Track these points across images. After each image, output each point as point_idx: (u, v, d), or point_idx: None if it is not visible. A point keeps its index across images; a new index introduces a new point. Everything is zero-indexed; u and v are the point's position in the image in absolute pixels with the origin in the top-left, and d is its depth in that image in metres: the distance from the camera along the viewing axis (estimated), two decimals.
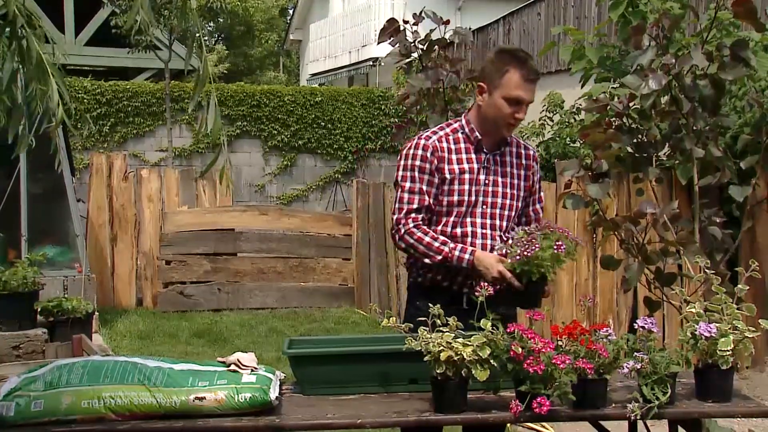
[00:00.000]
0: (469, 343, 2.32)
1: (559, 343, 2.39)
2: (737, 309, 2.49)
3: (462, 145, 2.98)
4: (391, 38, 4.41)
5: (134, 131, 12.97)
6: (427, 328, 2.38)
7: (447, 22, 4.43)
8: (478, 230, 2.95)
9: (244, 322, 7.88)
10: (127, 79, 14.56)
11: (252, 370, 2.49)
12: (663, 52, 3.82)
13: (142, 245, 8.59)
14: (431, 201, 2.94)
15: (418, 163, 2.94)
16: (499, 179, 2.99)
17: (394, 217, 2.96)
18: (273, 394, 2.39)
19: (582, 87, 5.77)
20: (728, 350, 2.40)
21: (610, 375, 2.40)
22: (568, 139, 7.75)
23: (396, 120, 13.53)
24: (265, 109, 13.56)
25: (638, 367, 2.33)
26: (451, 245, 2.88)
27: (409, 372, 2.55)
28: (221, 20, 26.37)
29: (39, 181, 7.07)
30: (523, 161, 3.06)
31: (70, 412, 2.30)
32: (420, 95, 4.32)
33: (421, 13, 4.46)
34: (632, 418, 2.33)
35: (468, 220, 2.95)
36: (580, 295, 6.23)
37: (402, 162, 2.99)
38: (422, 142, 2.96)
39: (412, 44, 4.43)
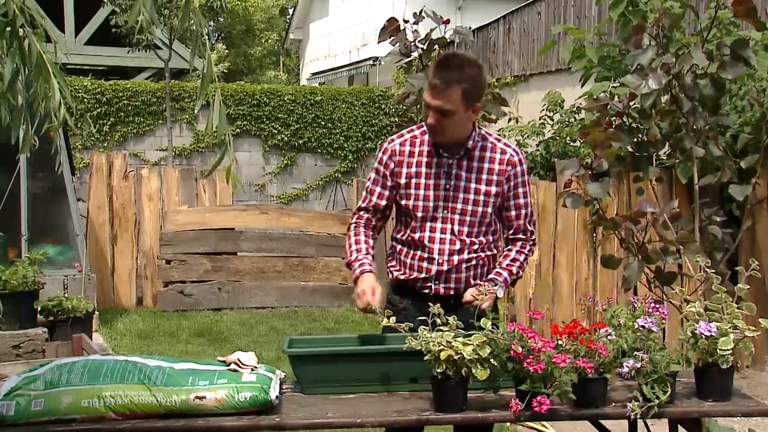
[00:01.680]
0: (469, 342, 2.32)
1: (559, 342, 2.39)
2: (737, 308, 2.49)
3: (425, 149, 2.96)
4: (392, 37, 4.42)
5: (134, 130, 12.96)
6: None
7: (447, 22, 4.44)
8: (437, 235, 2.95)
9: (244, 322, 7.88)
10: (127, 78, 14.56)
11: (252, 369, 2.49)
12: (663, 51, 3.82)
13: (142, 244, 8.59)
14: (383, 203, 3.03)
15: (376, 165, 3.05)
16: (462, 184, 2.94)
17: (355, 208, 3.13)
18: (273, 393, 2.39)
19: (582, 86, 5.77)
20: (728, 349, 2.40)
21: (610, 374, 2.40)
22: (568, 138, 7.75)
23: (396, 119, 13.53)
24: (265, 109, 13.56)
25: (638, 366, 2.33)
26: (358, 256, 2.96)
27: (410, 371, 2.55)
28: (221, 19, 26.36)
29: (39, 180, 7.08)
30: (496, 166, 2.95)
31: (70, 411, 2.30)
32: (420, 94, 4.32)
33: (421, 12, 4.46)
34: (632, 417, 2.33)
35: (428, 224, 2.95)
36: (580, 294, 6.23)
37: (374, 161, 3.11)
38: (385, 145, 3.04)
39: (412, 43, 4.43)
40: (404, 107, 4.55)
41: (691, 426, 2.58)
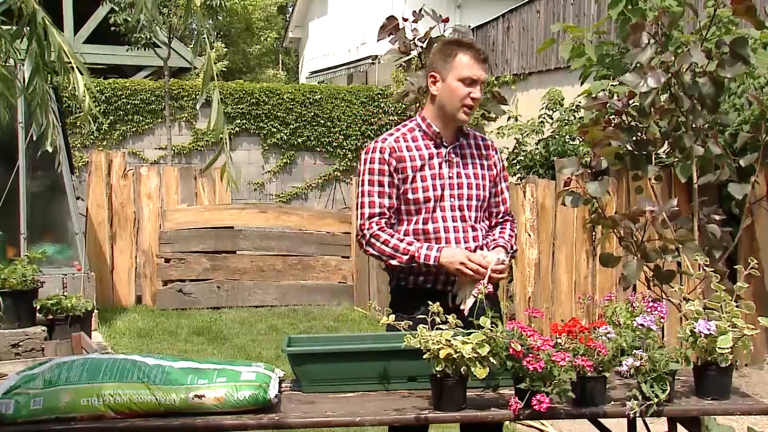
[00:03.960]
0: (469, 341, 2.32)
1: (559, 340, 2.39)
2: (736, 307, 2.49)
3: (421, 143, 3.00)
4: (391, 36, 4.41)
5: (133, 129, 12.96)
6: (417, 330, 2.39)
7: (446, 20, 4.43)
8: (449, 224, 2.96)
9: (243, 320, 7.89)
10: (126, 76, 14.55)
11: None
12: (662, 49, 3.82)
13: (142, 243, 8.59)
14: (394, 202, 2.96)
15: (376, 166, 2.96)
16: (462, 171, 3.00)
17: (358, 223, 2.99)
18: (272, 392, 2.39)
19: (581, 84, 5.77)
20: (727, 348, 2.40)
21: (609, 373, 2.40)
22: (567, 136, 7.76)
23: (395, 118, 13.53)
24: (264, 107, 13.55)
25: (637, 364, 2.33)
26: (418, 244, 2.90)
27: (409, 370, 2.55)
28: (220, 18, 26.35)
29: (38, 178, 7.08)
30: (483, 151, 3.08)
31: (69, 410, 2.30)
32: (419, 93, 4.31)
33: (420, 10, 4.46)
34: (631, 415, 2.33)
35: (438, 214, 2.96)
36: (579, 293, 6.24)
37: (361, 168, 3.01)
38: (378, 145, 2.99)
39: (412, 42, 4.42)
40: (403, 106, 4.55)
41: (690, 424, 2.58)
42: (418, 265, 2.89)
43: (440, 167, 2.98)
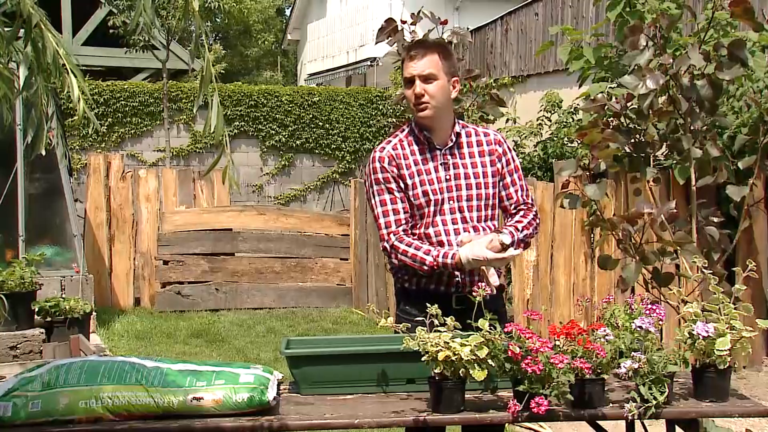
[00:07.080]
0: (467, 343, 2.31)
1: (557, 342, 2.39)
2: (734, 309, 2.49)
3: (416, 147, 3.00)
4: (389, 38, 4.42)
5: (132, 131, 12.95)
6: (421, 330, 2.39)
7: (445, 22, 4.44)
8: (450, 227, 2.95)
9: (241, 322, 7.88)
10: (125, 79, 14.55)
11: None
12: (660, 52, 3.83)
13: (140, 245, 8.59)
14: (407, 206, 2.95)
15: (380, 176, 2.96)
16: (460, 171, 2.98)
17: (380, 233, 2.98)
18: (271, 394, 2.39)
19: (580, 87, 5.78)
20: (725, 350, 2.40)
21: (607, 375, 2.40)
22: (565, 138, 7.76)
23: (394, 120, 13.53)
24: (262, 109, 13.55)
25: (636, 366, 2.33)
26: (435, 253, 2.86)
27: (407, 372, 2.55)
28: (218, 20, 26.36)
29: (36, 181, 7.07)
30: (485, 147, 3.03)
31: (67, 412, 2.30)
32: None
33: (418, 13, 4.47)
34: (630, 418, 2.33)
35: (438, 218, 2.95)
36: (577, 295, 6.24)
37: (368, 181, 3.01)
38: (377, 155, 3.00)
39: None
40: (402, 108, 4.55)
41: (688, 427, 2.58)
42: (441, 270, 2.88)
43: (436, 171, 2.97)
